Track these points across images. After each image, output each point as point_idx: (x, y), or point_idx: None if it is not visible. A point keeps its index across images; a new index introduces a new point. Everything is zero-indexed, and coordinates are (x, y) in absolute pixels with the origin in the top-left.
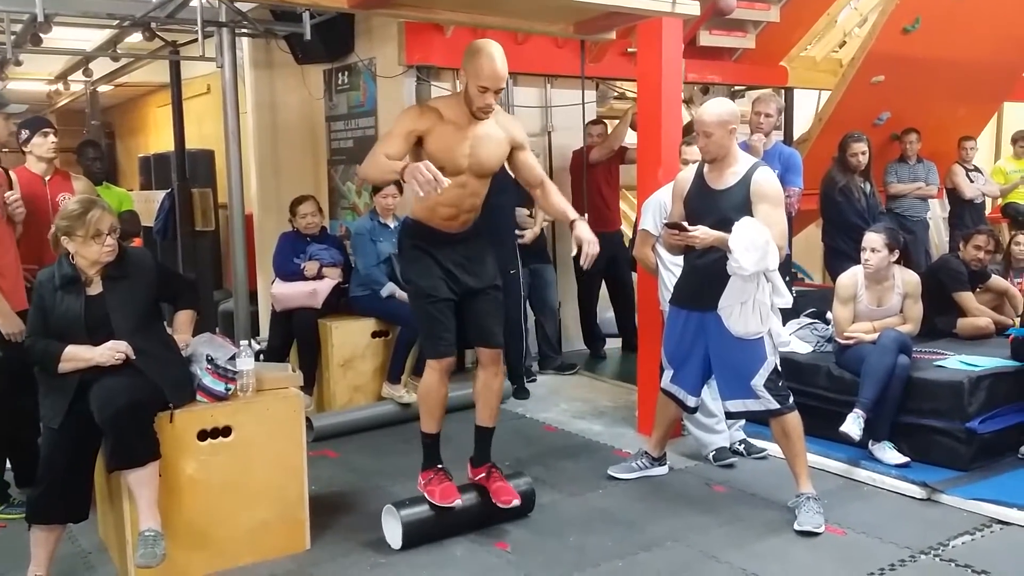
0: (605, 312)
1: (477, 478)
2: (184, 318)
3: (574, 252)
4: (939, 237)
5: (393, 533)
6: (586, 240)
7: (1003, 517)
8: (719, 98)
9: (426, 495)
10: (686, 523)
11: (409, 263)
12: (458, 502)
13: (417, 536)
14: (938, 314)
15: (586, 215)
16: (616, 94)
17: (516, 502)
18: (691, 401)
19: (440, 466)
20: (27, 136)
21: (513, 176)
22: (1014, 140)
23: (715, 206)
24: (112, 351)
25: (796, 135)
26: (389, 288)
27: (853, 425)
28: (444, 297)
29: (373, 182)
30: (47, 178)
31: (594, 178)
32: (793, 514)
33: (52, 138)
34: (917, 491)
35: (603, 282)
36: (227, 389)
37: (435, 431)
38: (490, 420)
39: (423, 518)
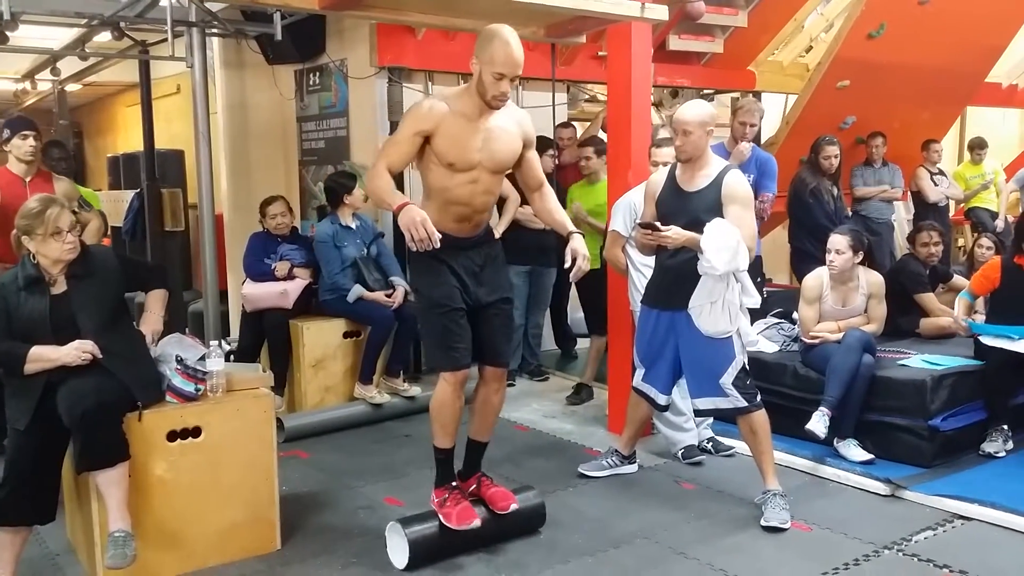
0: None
1: (469, 489)
2: (155, 296)
3: (568, 264)
4: (903, 239)
5: (398, 553)
6: (581, 255)
7: (965, 512)
8: (698, 100)
9: (441, 517)
10: (655, 520)
11: (421, 272)
12: (476, 523)
13: (424, 555)
14: (901, 314)
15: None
16: (587, 97)
17: (515, 506)
18: (662, 399)
19: (455, 484)
20: (7, 136)
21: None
22: (970, 147)
23: (687, 207)
24: (79, 351)
25: (764, 138)
26: (356, 292)
27: (819, 423)
28: (458, 307)
29: (373, 201)
30: (27, 179)
31: (564, 180)
32: (760, 510)
33: (31, 141)
34: (881, 487)
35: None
36: (197, 390)
37: (449, 446)
38: (485, 435)
39: (430, 535)
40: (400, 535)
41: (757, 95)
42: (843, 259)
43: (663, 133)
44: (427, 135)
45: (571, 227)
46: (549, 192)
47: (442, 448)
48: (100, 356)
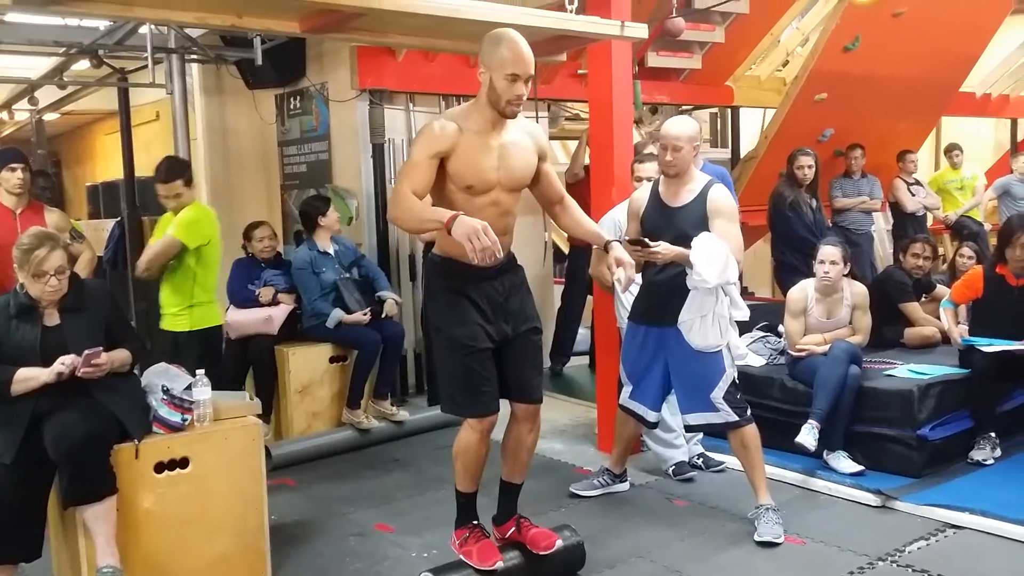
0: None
1: (507, 535)
2: (123, 352)
3: (616, 275)
4: (883, 249)
5: None
6: (626, 263)
7: (956, 521)
8: (684, 116)
9: (462, 556)
10: (649, 538)
11: (441, 309)
12: (499, 564)
13: None
14: (885, 324)
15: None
16: (568, 115)
17: (559, 543)
18: (651, 416)
19: (476, 523)
20: None
21: None
22: (947, 152)
23: (673, 223)
24: (56, 367)
25: (743, 153)
26: (335, 317)
27: (808, 435)
28: (484, 347)
29: (409, 231)
30: (18, 212)
31: (579, 194)
32: (753, 525)
33: (19, 173)
34: (872, 499)
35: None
36: (183, 419)
37: (472, 491)
38: (520, 477)
39: None
40: None
41: (735, 110)
42: (837, 270)
43: (650, 149)
44: (443, 156)
45: (607, 236)
46: (572, 204)
47: (464, 492)
48: (80, 371)
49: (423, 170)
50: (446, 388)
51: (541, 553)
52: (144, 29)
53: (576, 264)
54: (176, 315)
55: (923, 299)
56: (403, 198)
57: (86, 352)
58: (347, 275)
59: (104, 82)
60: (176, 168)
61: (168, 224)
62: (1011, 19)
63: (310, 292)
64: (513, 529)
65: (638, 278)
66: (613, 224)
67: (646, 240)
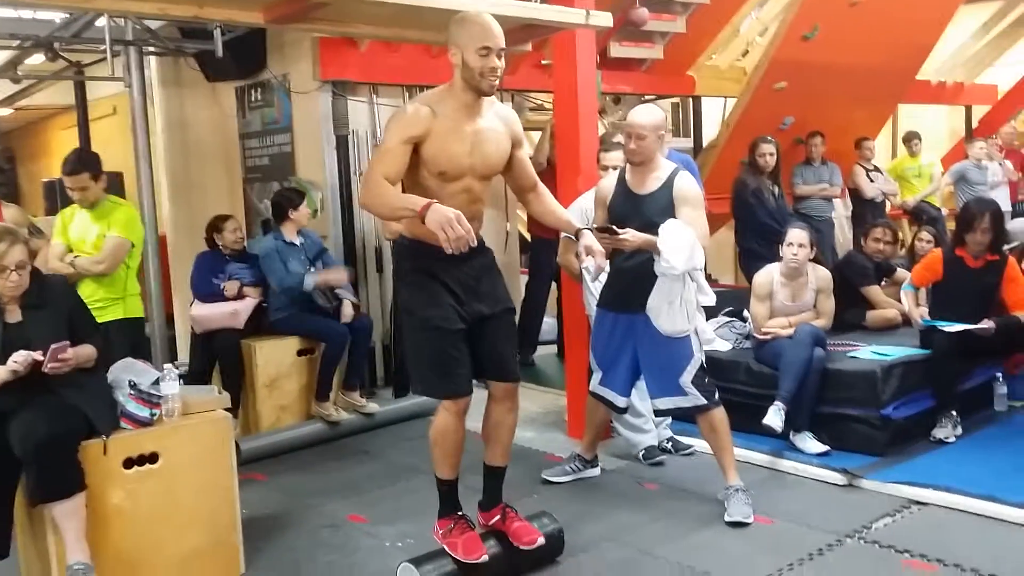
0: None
1: (491, 522)
2: (87, 347)
3: (584, 263)
4: (843, 235)
5: None
6: (596, 251)
7: (919, 498)
8: (649, 105)
9: (446, 547)
10: (621, 522)
11: (413, 291)
12: (484, 557)
13: None
14: (847, 308)
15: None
16: (532, 106)
17: (541, 540)
18: (621, 402)
19: (460, 513)
20: None
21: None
22: (905, 140)
23: (640, 210)
24: (10, 364)
25: (705, 142)
26: (310, 280)
27: (775, 417)
28: (456, 328)
29: (380, 218)
30: None
31: (547, 183)
32: (723, 506)
33: None
34: (838, 478)
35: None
36: (152, 414)
37: (452, 477)
38: (502, 459)
39: (446, 574)
40: None
41: (697, 99)
42: (804, 252)
43: (617, 138)
44: (417, 142)
45: (578, 224)
46: (545, 192)
47: (444, 479)
48: (38, 358)
49: (396, 156)
50: (419, 370)
51: (522, 548)
52: (101, 21)
53: (540, 254)
54: (105, 307)
55: (883, 283)
56: (376, 184)
57: (53, 346)
58: (312, 268)
59: (60, 76)
60: (84, 161)
61: (71, 219)
62: (964, 8)
63: (277, 274)
64: (498, 518)
65: (607, 267)
66: (581, 212)
67: (614, 227)
